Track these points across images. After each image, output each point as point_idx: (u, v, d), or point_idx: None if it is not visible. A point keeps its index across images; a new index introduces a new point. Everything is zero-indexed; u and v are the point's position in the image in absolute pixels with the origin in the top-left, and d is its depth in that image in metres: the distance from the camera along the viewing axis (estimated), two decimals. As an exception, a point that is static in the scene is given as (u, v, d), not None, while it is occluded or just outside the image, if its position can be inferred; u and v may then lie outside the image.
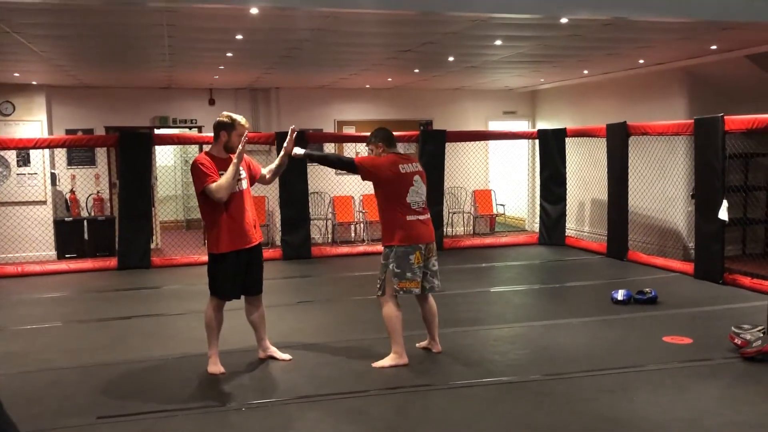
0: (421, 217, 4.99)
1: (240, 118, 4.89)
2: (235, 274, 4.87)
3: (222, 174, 4.71)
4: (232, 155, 4.79)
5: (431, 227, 5.10)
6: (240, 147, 4.68)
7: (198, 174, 4.71)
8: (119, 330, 6.27)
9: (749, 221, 8.85)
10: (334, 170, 11.44)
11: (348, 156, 4.91)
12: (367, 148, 5.21)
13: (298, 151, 5.03)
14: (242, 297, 5.06)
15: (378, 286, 5.04)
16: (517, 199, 12.84)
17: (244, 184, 4.92)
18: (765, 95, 8.31)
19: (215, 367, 4.93)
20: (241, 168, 4.85)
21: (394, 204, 4.92)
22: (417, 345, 5.44)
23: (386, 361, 5.01)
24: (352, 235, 11.78)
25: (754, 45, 7.83)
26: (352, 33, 6.80)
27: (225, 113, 4.96)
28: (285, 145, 5.08)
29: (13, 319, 6.71)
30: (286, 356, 5.22)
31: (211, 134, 5.07)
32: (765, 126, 7.04)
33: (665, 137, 8.90)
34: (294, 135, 5.05)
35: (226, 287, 4.88)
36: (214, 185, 4.66)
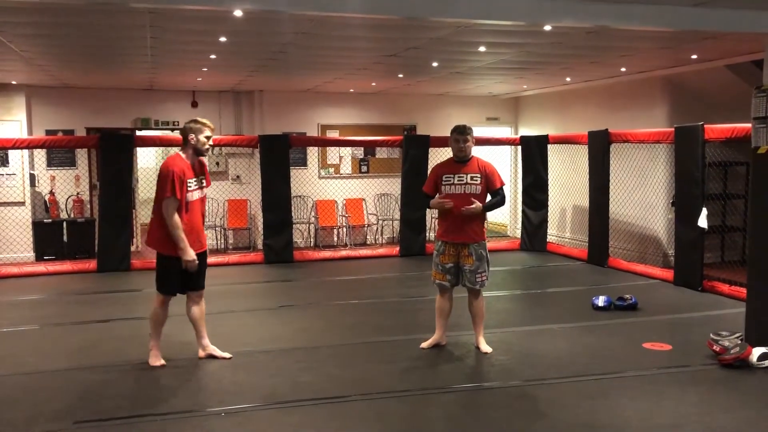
0: None
1: (206, 121, 5.10)
2: (183, 274, 5.08)
3: (191, 181, 4.97)
4: (202, 158, 5.15)
5: None
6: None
7: (166, 182, 4.87)
8: (97, 333, 6.19)
9: (728, 229, 8.94)
10: (317, 173, 11.48)
11: None
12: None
13: None
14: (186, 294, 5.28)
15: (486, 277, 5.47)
16: (499, 205, 12.85)
17: (197, 194, 5.09)
18: (744, 105, 8.36)
19: (157, 360, 5.12)
20: (202, 179, 5.12)
21: None
22: (421, 346, 5.55)
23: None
24: (335, 239, 11.74)
25: (733, 55, 7.93)
26: (337, 37, 6.78)
27: (191, 119, 5.15)
28: None
29: (-12, 322, 6.61)
30: (227, 354, 5.31)
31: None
32: (744, 135, 7.12)
33: (646, 145, 8.98)
34: None
35: (173, 285, 5.13)
36: (174, 217, 4.86)
